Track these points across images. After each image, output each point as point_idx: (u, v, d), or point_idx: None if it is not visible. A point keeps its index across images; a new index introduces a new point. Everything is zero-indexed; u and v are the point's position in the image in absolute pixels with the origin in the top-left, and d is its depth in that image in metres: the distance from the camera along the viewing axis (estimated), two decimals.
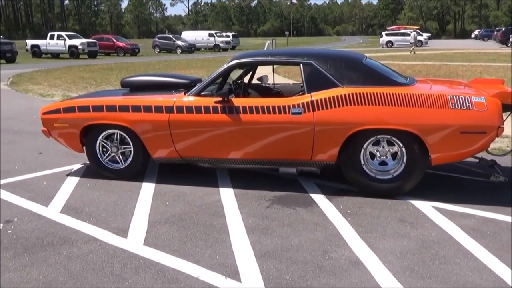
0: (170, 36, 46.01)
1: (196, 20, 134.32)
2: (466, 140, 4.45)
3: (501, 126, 4.41)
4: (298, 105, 4.71)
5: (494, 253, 3.56)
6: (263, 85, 6.32)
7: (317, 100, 4.66)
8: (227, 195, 4.86)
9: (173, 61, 28.65)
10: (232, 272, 3.32)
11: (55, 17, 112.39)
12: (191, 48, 42.82)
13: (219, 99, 4.88)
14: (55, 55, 35.21)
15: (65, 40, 34.51)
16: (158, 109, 5.03)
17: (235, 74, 5.95)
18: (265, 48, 29.92)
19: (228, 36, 50.69)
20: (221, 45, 47.25)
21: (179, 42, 43.16)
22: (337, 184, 5.12)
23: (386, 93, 4.54)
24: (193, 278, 3.25)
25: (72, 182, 5.32)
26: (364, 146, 4.71)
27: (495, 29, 59.11)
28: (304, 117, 4.67)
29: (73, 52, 34.05)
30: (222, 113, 4.87)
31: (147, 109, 5.06)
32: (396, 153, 4.73)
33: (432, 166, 4.74)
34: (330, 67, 4.80)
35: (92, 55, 34.89)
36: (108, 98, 5.29)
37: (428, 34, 57.90)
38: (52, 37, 35.08)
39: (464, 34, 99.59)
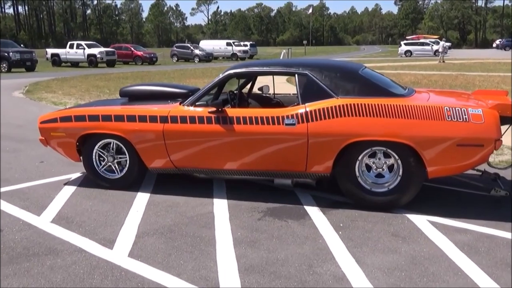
0: (188, 45, 46.37)
1: (215, 30, 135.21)
2: (463, 153, 4.33)
3: (499, 139, 4.29)
4: (292, 116, 4.64)
5: (486, 270, 3.44)
6: (263, 95, 6.27)
7: (311, 111, 4.60)
8: (220, 206, 4.81)
9: (189, 70, 28.80)
10: (213, 286, 3.26)
11: (77, 26, 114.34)
12: (208, 57, 43.09)
13: (213, 109, 4.85)
14: (75, 64, 35.69)
15: (84, 49, 34.96)
16: (153, 119, 5.01)
17: (235, 85, 5.93)
18: (281, 57, 29.95)
19: (245, 45, 50.86)
20: (238, 54, 47.42)
21: (197, 51, 43.48)
22: (333, 196, 5.03)
23: (382, 105, 4.45)
24: None
25: (68, 191, 5.32)
26: (359, 158, 4.62)
27: None
28: (298, 128, 4.61)
29: (92, 61, 34.47)
30: (216, 124, 4.83)
31: (142, 118, 5.05)
32: (392, 165, 4.63)
33: (430, 179, 4.62)
34: (325, 77, 4.73)
35: (111, 64, 35.28)
36: (105, 108, 5.30)
37: (448, 44, 57.23)
38: (71, 46, 35.59)
39: (486, 44, 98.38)
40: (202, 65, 36.08)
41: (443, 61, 33.75)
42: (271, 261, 3.62)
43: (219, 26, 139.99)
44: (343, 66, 5.05)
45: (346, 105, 4.52)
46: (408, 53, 48.80)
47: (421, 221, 4.38)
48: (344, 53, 66.59)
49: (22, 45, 34.81)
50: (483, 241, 3.94)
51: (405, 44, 51.06)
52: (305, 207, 4.78)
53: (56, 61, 35.60)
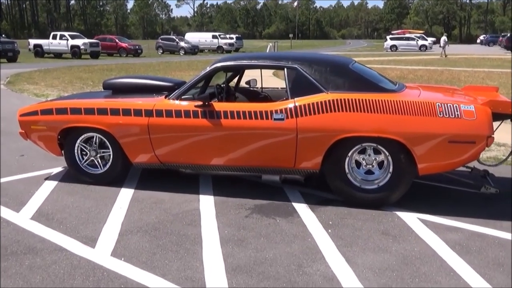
0: (174, 37, 45.94)
1: (201, 22, 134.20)
2: (455, 149, 4.26)
3: (491, 135, 4.22)
4: (281, 110, 4.53)
5: (478, 270, 3.37)
6: (251, 89, 6.15)
7: (300, 106, 4.48)
8: (207, 203, 4.69)
9: (174, 62, 28.51)
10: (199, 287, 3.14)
11: (60, 17, 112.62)
12: (194, 50, 42.73)
13: (200, 103, 4.71)
14: (58, 55, 35.15)
15: (67, 40, 34.44)
16: (137, 112, 4.86)
17: (222, 78, 5.80)
18: (267, 51, 29.78)
19: (231, 38, 50.54)
20: (224, 47, 47.10)
21: (182, 44, 43.09)
22: (322, 193, 4.93)
23: (372, 100, 4.35)
24: None
25: (49, 187, 5.15)
26: (349, 154, 4.52)
27: (500, 35, 58.74)
28: (286, 123, 4.49)
29: (75, 52, 33.96)
30: (203, 118, 4.69)
31: (126, 112, 4.89)
32: (383, 162, 4.55)
33: (421, 176, 4.54)
34: (315, 72, 4.62)
35: (94, 55, 34.78)
36: (87, 101, 5.14)
37: (433, 39, 57.52)
38: (54, 37, 35.04)
39: (470, 40, 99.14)
40: (187, 58, 35.75)
41: (445, 56, 33.96)
42: (259, 260, 3.51)
43: (205, 19, 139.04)
44: (333, 60, 4.94)
45: (336, 100, 4.41)
46: (393, 47, 48.96)
47: (412, 219, 4.30)
48: (330, 47, 66.56)
49: (3, 36, 34.20)
50: (475, 240, 3.88)
51: (391, 38, 51.22)
52: (294, 204, 4.68)
53: (39, 52, 35.06)
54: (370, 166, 4.59)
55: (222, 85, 5.32)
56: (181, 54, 41.79)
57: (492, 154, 6.65)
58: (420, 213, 4.41)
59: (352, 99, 4.38)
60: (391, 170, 4.47)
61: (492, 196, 4.75)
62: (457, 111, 4.22)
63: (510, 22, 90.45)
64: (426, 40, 51.55)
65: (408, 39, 51.06)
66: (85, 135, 5.14)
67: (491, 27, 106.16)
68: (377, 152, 4.53)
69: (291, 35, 63.05)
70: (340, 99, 4.40)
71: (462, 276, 3.30)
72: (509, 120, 4.71)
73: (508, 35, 46.77)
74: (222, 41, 48.04)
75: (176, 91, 4.94)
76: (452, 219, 4.29)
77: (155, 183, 5.26)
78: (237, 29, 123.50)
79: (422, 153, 4.29)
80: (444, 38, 37.09)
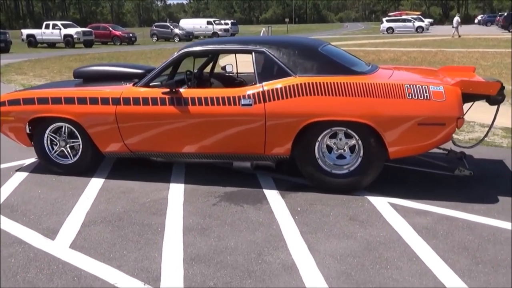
0: (168, 24, 45.60)
1: (197, 8, 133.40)
2: (425, 132, 4.17)
3: (461, 117, 4.12)
4: (249, 96, 4.44)
5: (441, 255, 3.31)
6: (226, 74, 6.04)
7: (268, 91, 4.39)
8: (176, 191, 4.61)
9: (168, 49, 28.27)
10: (154, 279, 3.08)
11: (55, 6, 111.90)
12: (189, 36, 42.40)
13: (167, 90, 4.62)
14: (51, 45, 34.93)
15: (60, 29, 34.20)
16: (105, 101, 4.77)
17: (197, 64, 5.70)
18: (261, 36, 29.53)
19: (226, 24, 50.18)
20: (219, 32, 46.72)
21: (176, 31, 42.79)
22: (295, 178, 4.86)
23: (340, 83, 4.26)
24: (109, 286, 3.01)
25: (18, 178, 5.08)
26: (319, 139, 4.44)
27: (498, 14, 58.22)
28: (254, 109, 4.40)
29: (69, 42, 33.76)
30: (170, 105, 4.60)
31: (93, 101, 4.80)
32: (354, 146, 4.46)
33: (393, 160, 4.46)
34: (283, 55, 4.52)
35: (88, 44, 34.53)
36: (54, 90, 5.04)
37: (430, 20, 57.11)
38: (47, 27, 34.80)
39: (468, 20, 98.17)
40: (182, 45, 35.40)
41: (459, 36, 33.72)
42: (219, 249, 3.44)
43: (201, 5, 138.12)
44: (302, 43, 4.82)
45: (304, 83, 4.32)
46: (390, 30, 48.54)
47: (382, 203, 4.23)
48: (326, 30, 66.04)
49: None
50: (443, 223, 3.81)
51: (387, 21, 50.72)
52: (265, 190, 4.61)
53: (32, 42, 34.82)
54: (342, 150, 4.51)
55: (193, 72, 5.22)
56: (175, 41, 41.50)
57: (475, 136, 6.56)
58: (391, 197, 4.34)
59: (320, 83, 4.28)
60: (361, 154, 4.39)
61: (466, 178, 4.68)
62: (426, 93, 4.12)
63: (508, 1, 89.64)
64: (423, 21, 51.09)
65: (404, 20, 50.61)
66: (54, 125, 5.05)
67: (489, 6, 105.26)
68: (348, 136, 4.44)
69: (287, 20, 62.47)
70: (308, 83, 4.31)
71: (424, 261, 3.23)
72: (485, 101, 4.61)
73: (505, 14, 46.32)
74: (217, 27, 47.69)
75: (144, 78, 4.84)
76: (423, 202, 4.22)
77: (128, 172, 5.19)
78: (233, 15, 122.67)
79: (391, 136, 4.20)
80: (457, 19, 36.68)
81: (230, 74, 6.06)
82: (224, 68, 6.05)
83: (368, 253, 3.36)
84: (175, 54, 4.84)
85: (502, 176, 4.90)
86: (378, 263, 3.22)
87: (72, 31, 34.00)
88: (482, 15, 74.78)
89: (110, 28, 39.31)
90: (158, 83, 4.79)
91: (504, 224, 3.77)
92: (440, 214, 3.98)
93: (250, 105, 4.41)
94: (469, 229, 3.70)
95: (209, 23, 48.84)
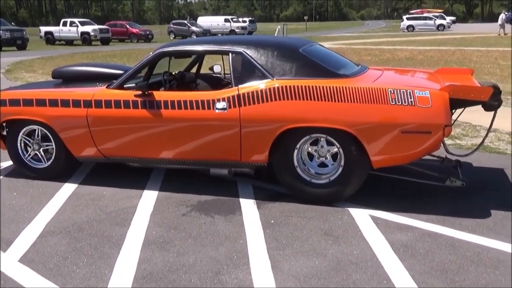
0: (185, 22, 45.56)
1: (218, 6, 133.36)
2: (410, 140, 3.85)
3: (449, 125, 3.80)
4: (223, 99, 4.17)
5: (416, 278, 3.00)
6: (213, 75, 5.79)
7: (243, 94, 4.12)
8: (148, 199, 4.38)
9: None
10: None
11: (78, 3, 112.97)
12: (206, 34, 42.27)
13: (139, 92, 4.39)
14: (69, 42, 35.10)
15: (77, 26, 34.35)
16: (76, 103, 4.56)
17: (183, 65, 5.48)
18: (275, 34, 29.20)
19: (244, 21, 49.90)
20: (237, 30, 46.50)
21: (193, 28, 42.72)
22: (276, 187, 4.57)
23: (319, 87, 3.97)
24: None
25: None
26: (297, 146, 4.15)
27: None
28: (229, 114, 4.14)
29: (86, 39, 33.91)
30: (143, 108, 4.37)
31: (65, 103, 4.60)
32: (337, 154, 4.17)
33: (377, 169, 4.15)
34: (260, 56, 4.24)
35: (105, 41, 34.67)
36: (27, 91, 4.85)
37: (452, 18, 55.96)
38: (65, 24, 34.98)
39: (492, 18, 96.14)
40: None
41: (505, 33, 32.64)
42: (175, 266, 3.19)
43: (221, 2, 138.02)
44: (282, 43, 4.53)
45: (282, 87, 4.04)
46: (410, 27, 47.73)
47: (363, 216, 3.93)
48: (346, 28, 65.24)
49: (13, 23, 34.27)
50: (424, 241, 3.50)
51: (407, 18, 49.90)
52: (241, 200, 4.34)
53: (50, 39, 35.04)
54: (324, 158, 4.22)
55: (170, 72, 4.97)
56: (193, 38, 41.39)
57: (479, 141, 6.18)
58: (373, 210, 4.04)
59: (298, 86, 4.00)
60: (342, 163, 4.09)
61: (458, 189, 4.34)
62: (410, 98, 3.81)
63: None
64: (445, 19, 50.10)
65: (425, 18, 49.68)
66: (27, 127, 4.86)
67: None
68: (330, 143, 4.15)
69: (306, 17, 62.03)
70: (286, 86, 4.03)
71: (395, 284, 2.94)
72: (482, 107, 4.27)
73: None
74: (234, 25, 47.44)
75: (118, 79, 4.62)
76: (407, 216, 3.91)
77: (104, 177, 4.97)
78: (254, 12, 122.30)
79: (374, 144, 3.90)
80: (502, 16, 35.68)
81: (217, 75, 5.80)
82: (211, 68, 5.79)
83: (336, 274, 3.08)
84: (150, 54, 4.61)
85: (499, 187, 4.55)
86: (345, 286, 2.93)
87: (89, 28, 34.13)
88: (506, 13, 73.11)
89: (127, 26, 39.42)
90: (133, 84, 4.57)
91: (491, 243, 3.44)
92: (423, 230, 3.67)
93: (225, 109, 4.15)
94: (452, 248, 3.39)
95: (226, 20, 48.61)
